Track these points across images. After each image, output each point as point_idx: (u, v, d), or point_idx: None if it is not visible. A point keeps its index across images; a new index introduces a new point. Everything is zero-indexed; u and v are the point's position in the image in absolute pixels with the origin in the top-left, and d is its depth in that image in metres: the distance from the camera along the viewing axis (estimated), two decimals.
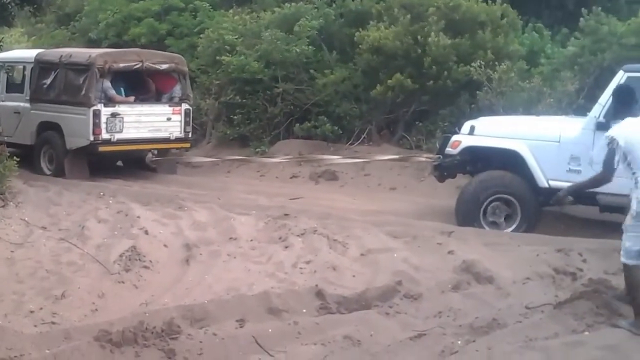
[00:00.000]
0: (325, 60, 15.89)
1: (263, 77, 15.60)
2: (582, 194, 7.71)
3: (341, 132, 15.19)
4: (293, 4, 16.30)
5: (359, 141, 15.07)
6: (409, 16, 14.72)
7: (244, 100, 15.87)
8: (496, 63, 13.64)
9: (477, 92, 13.50)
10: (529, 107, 12.58)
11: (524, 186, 9.41)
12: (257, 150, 15.35)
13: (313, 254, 7.90)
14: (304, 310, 6.32)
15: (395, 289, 6.83)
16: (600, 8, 14.06)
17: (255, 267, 7.58)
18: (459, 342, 5.68)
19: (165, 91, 13.92)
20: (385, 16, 15.33)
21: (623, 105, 6.32)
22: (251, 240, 8.55)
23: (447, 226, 9.32)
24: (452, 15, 14.58)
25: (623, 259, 5.82)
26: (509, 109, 12.45)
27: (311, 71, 15.62)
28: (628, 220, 5.84)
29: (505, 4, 15.10)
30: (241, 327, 5.91)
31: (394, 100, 14.78)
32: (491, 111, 12.51)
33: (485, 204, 9.50)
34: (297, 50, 15.29)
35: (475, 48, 14.28)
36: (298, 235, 8.58)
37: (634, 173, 5.83)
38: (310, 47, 15.55)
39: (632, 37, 13.31)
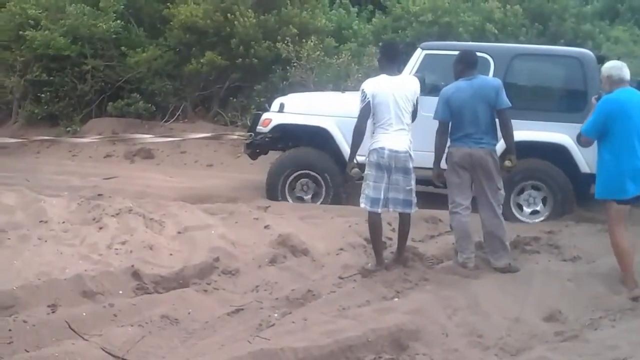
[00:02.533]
0: (135, 37, 15.55)
1: (70, 54, 15.08)
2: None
3: (155, 109, 15.02)
4: None
5: (174, 118, 14.95)
6: None
7: (52, 78, 15.32)
8: (303, 40, 13.89)
9: (288, 67, 13.70)
10: (339, 82, 12.93)
11: (330, 163, 9.63)
12: (67, 129, 14.87)
13: (128, 234, 7.74)
14: (120, 292, 6.21)
15: (213, 265, 6.85)
16: None
17: (68, 250, 7.31)
18: (276, 314, 5.81)
19: None
20: None
21: (386, 61, 6.83)
22: (63, 222, 8.23)
23: (263, 201, 9.44)
24: None
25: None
26: (320, 85, 12.73)
27: (122, 48, 15.25)
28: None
29: None
30: (53, 312, 5.70)
31: (207, 77, 14.73)
32: (303, 87, 12.76)
33: (291, 179, 9.73)
34: (104, 26, 14.86)
35: (282, 24, 14.45)
36: (113, 216, 8.36)
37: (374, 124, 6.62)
38: (118, 22, 15.15)
39: (429, 14, 13.95)
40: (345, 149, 9.44)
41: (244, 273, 6.83)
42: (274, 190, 9.77)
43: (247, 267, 6.96)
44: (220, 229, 8.06)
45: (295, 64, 13.60)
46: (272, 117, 10.01)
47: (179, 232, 7.99)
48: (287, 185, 9.75)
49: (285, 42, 13.77)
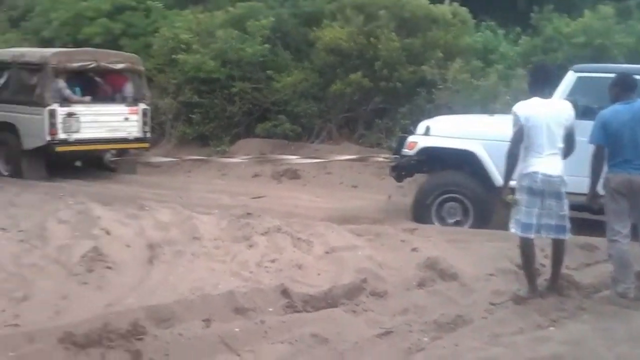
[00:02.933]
0: (281, 60, 15.87)
1: (220, 77, 15.56)
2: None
3: (301, 130, 15.23)
4: (246, 3, 16.26)
5: (320, 139, 15.11)
6: (361, 17, 14.79)
7: (202, 100, 15.82)
8: (448, 62, 13.77)
9: (433, 90, 13.62)
10: (486, 105, 12.71)
11: (477, 186, 9.48)
12: (217, 149, 15.30)
13: (278, 253, 7.88)
14: (270, 309, 6.29)
15: (361, 286, 6.83)
16: (552, 7, 14.26)
17: (220, 267, 7.52)
18: (426, 338, 5.71)
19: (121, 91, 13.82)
20: (339, 16, 15.39)
21: (537, 84, 6.62)
22: (215, 239, 8.47)
23: (409, 223, 9.39)
24: (402, 14, 14.66)
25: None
26: (466, 108, 12.57)
27: (268, 71, 15.59)
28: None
29: (454, 3, 15.27)
30: (207, 327, 5.84)
31: (351, 99, 14.84)
32: (449, 109, 12.62)
33: (437, 202, 9.62)
34: (251, 50, 15.25)
35: (427, 47, 14.38)
36: (262, 234, 8.53)
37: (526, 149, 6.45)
38: (265, 45, 15.51)
39: (581, 37, 13.54)
40: (493, 172, 9.30)
41: (392, 295, 6.78)
42: (420, 213, 9.70)
43: (395, 290, 6.90)
44: (367, 251, 8.07)
45: (440, 87, 13.50)
46: (418, 140, 9.94)
47: (327, 252, 8.05)
48: (433, 208, 9.64)
49: (430, 65, 13.70)
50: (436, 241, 8.48)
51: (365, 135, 14.92)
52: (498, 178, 9.24)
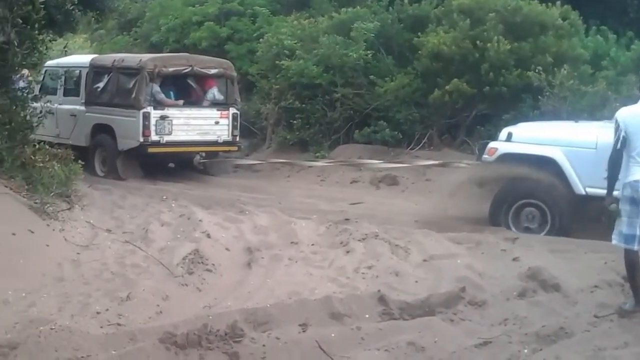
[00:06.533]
0: (384, 65, 15.83)
1: (322, 82, 15.66)
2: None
3: (401, 137, 15.14)
4: (350, 8, 16.30)
5: (420, 146, 14.99)
6: (468, 21, 14.61)
7: (304, 105, 15.95)
8: (555, 69, 13.46)
9: (539, 97, 13.34)
10: (594, 112, 12.36)
11: (557, 193, 9.29)
12: (316, 154, 15.39)
13: (375, 259, 7.85)
14: (367, 316, 6.25)
15: (459, 295, 6.71)
16: None
17: (317, 272, 7.56)
18: (526, 350, 5.56)
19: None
20: (444, 20, 15.24)
21: None
22: (312, 244, 8.53)
23: (511, 232, 9.21)
24: (512, 19, 14.42)
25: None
26: (573, 114, 12.24)
27: (370, 77, 15.58)
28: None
29: (565, 6, 14.92)
30: (304, 331, 5.87)
31: (454, 105, 14.68)
32: (555, 116, 12.34)
33: (515, 207, 9.50)
34: (355, 55, 15.27)
35: (536, 52, 14.11)
36: (359, 240, 8.52)
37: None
38: (368, 51, 15.51)
39: None
40: (574, 179, 9.18)
41: (491, 305, 6.63)
42: (497, 218, 9.58)
43: (495, 299, 6.75)
44: (467, 259, 7.95)
45: (547, 93, 13.20)
46: (498, 146, 9.82)
47: (424, 260, 7.98)
48: (510, 214, 9.53)
49: (537, 70, 13.41)
50: (538, 251, 8.27)
51: (466, 142, 14.72)
52: (578, 185, 9.12)
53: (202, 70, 13.88)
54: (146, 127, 13.09)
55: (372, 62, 15.86)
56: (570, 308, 6.53)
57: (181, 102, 13.85)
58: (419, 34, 15.29)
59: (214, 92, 14.06)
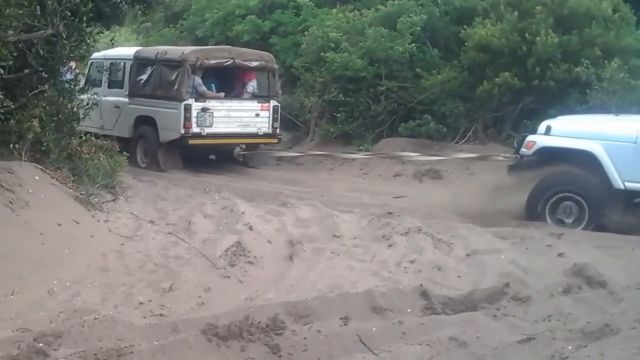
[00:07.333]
0: (430, 58, 15.72)
1: (366, 75, 15.60)
2: None
3: (446, 130, 15.03)
4: (397, 1, 16.20)
5: (464, 140, 14.86)
6: (516, 13, 14.44)
7: (347, 98, 15.91)
8: (605, 62, 13.23)
9: (587, 91, 13.13)
10: None
11: (595, 187, 9.19)
12: (360, 148, 15.33)
13: (417, 253, 7.80)
14: (409, 310, 6.21)
15: (503, 290, 6.62)
16: None
17: (359, 265, 7.53)
18: (570, 347, 5.46)
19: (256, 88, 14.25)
20: (492, 13, 15.07)
21: None
22: (354, 238, 8.50)
23: (556, 228, 9.08)
24: (560, 11, 14.21)
25: None
26: (622, 109, 12.04)
27: (416, 70, 15.48)
28: None
29: None
30: (345, 324, 5.85)
31: (500, 99, 14.52)
32: (604, 110, 12.15)
33: (552, 201, 9.42)
34: (400, 48, 15.18)
35: (584, 45, 13.88)
36: (402, 234, 8.49)
37: None
38: (414, 44, 15.41)
39: None
40: (612, 173, 9.07)
41: (535, 301, 6.54)
42: (533, 211, 9.50)
43: (539, 295, 6.66)
44: (511, 254, 7.87)
45: (596, 87, 12.99)
46: (537, 140, 9.75)
47: (468, 255, 7.92)
48: (547, 207, 9.43)
49: (585, 64, 13.20)
50: (584, 247, 8.16)
51: (512, 136, 14.55)
52: (617, 179, 9.01)
53: (243, 62, 13.93)
54: (187, 119, 13.21)
55: (418, 55, 15.77)
56: (616, 305, 6.41)
57: (222, 94, 13.92)
58: (465, 26, 15.13)
59: (253, 85, 14.10)
